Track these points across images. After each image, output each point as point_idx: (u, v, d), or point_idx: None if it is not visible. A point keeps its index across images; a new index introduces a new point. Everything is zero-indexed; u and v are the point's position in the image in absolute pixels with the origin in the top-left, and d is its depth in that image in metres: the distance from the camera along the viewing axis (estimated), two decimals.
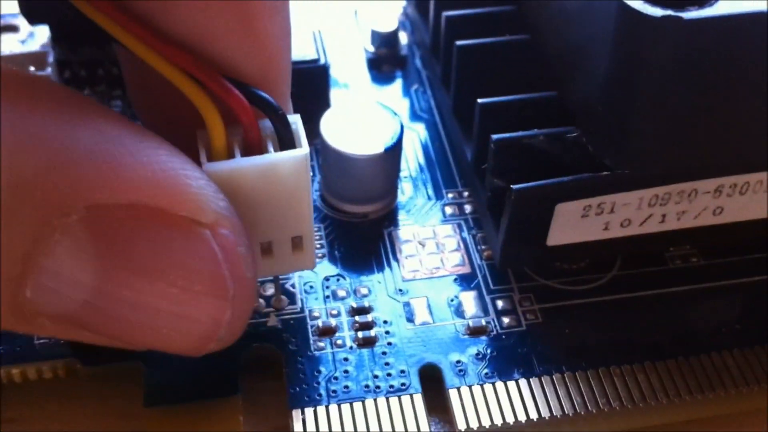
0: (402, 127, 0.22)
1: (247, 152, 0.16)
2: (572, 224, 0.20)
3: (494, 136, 0.20)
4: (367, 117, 0.23)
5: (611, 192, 0.20)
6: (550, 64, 0.22)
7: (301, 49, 0.25)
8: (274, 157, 0.16)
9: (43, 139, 0.12)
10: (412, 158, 0.25)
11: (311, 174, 0.18)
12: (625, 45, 0.17)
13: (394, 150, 0.22)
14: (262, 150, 0.17)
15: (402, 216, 0.23)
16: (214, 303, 0.14)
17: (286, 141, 0.17)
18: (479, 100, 0.21)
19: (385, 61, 0.28)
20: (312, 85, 0.25)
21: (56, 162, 0.12)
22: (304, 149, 0.17)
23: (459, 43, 0.23)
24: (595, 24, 0.18)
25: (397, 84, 0.28)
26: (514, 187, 0.19)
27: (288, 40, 0.17)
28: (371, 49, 0.28)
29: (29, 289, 0.13)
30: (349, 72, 0.28)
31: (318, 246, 0.23)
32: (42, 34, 0.27)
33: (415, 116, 0.26)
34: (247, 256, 0.14)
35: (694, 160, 0.19)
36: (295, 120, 0.17)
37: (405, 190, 0.24)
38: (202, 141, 0.16)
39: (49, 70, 0.25)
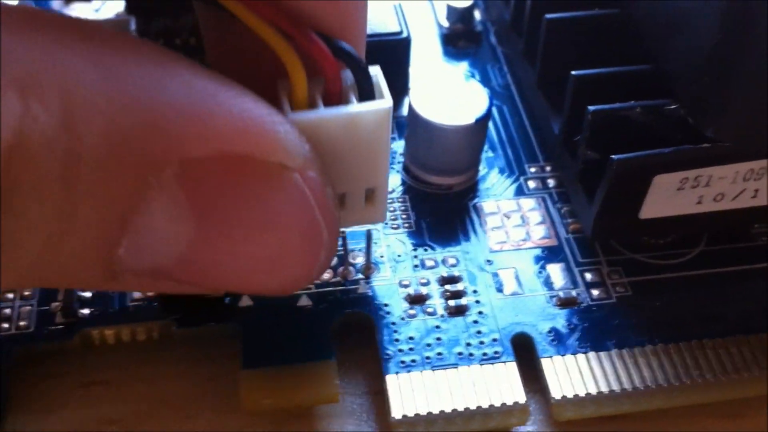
0: (491, 99, 0.22)
1: (328, 103, 0.16)
2: (667, 197, 0.20)
3: (591, 108, 0.20)
4: (455, 88, 0.23)
5: (710, 164, 0.20)
6: (642, 37, 0.22)
7: (384, 22, 0.25)
8: (357, 107, 0.16)
9: (135, 94, 0.12)
10: (492, 132, 0.25)
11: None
12: (737, 10, 0.17)
13: (484, 121, 0.22)
14: (343, 101, 0.16)
15: (485, 189, 0.23)
16: (309, 246, 0.14)
17: (367, 92, 0.16)
18: (573, 72, 0.21)
19: (460, 37, 0.28)
20: (394, 58, 0.25)
21: (149, 117, 0.12)
22: (387, 101, 0.16)
23: (549, 16, 0.22)
24: None
25: (472, 60, 0.27)
26: (614, 157, 0.19)
27: None
28: (446, 24, 0.28)
29: (123, 248, 0.13)
30: (424, 47, 0.28)
31: (404, 217, 0.23)
32: (114, 5, 0.27)
33: (492, 92, 0.26)
34: (332, 197, 0.14)
35: None
36: (376, 72, 0.17)
37: (486, 164, 0.24)
38: (284, 91, 0.16)
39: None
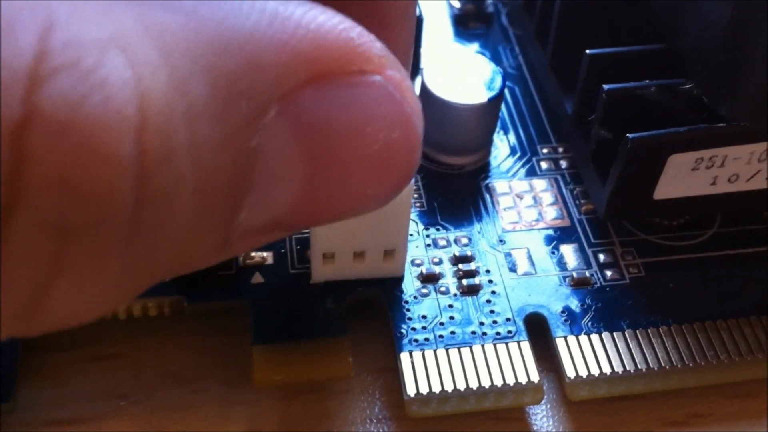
0: (504, 78, 0.22)
1: None
2: (681, 177, 0.20)
3: (606, 86, 0.20)
4: (468, 67, 0.22)
5: (725, 144, 0.20)
6: (656, 17, 0.21)
7: None
8: None
9: (224, 32, 0.11)
10: (503, 113, 0.25)
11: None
12: None
13: (497, 100, 0.22)
14: None
15: (496, 169, 0.23)
16: (407, 139, 0.13)
17: None
18: (588, 51, 0.21)
19: (471, 18, 0.28)
20: None
21: (245, 55, 0.11)
22: None
23: None
24: None
25: (483, 41, 0.27)
26: (630, 135, 0.19)
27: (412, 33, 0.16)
28: (457, 5, 0.28)
29: (246, 209, 0.12)
30: (435, 28, 0.28)
31: (416, 196, 0.22)
32: None
33: (504, 73, 0.26)
34: (413, 91, 0.13)
35: None
36: None
37: (498, 145, 0.24)
38: None
39: None
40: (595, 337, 0.20)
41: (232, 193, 0.11)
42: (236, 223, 0.12)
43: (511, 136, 0.24)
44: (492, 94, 0.22)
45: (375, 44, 0.13)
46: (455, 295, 0.20)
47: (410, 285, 0.20)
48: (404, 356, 0.19)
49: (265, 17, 0.11)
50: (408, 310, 0.20)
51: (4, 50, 0.09)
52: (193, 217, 0.11)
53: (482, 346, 0.19)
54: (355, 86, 0.12)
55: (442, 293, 0.20)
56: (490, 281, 0.21)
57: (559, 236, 0.22)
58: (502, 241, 0.22)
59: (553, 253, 0.21)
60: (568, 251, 0.21)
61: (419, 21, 0.25)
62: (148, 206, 0.10)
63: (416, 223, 0.22)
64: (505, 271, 0.21)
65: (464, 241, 0.21)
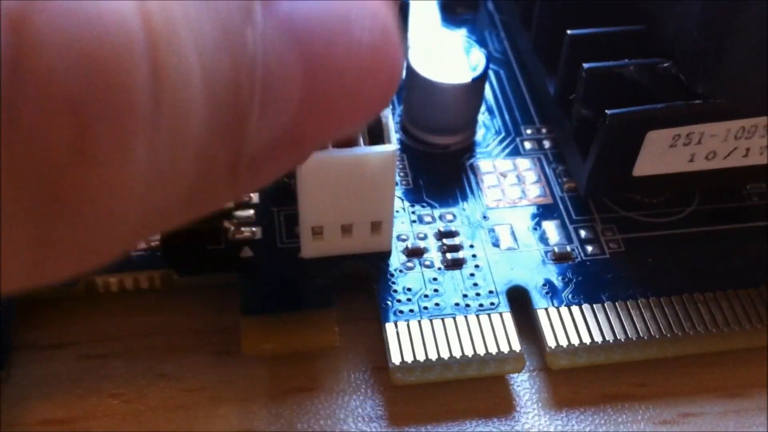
0: (488, 58, 0.23)
1: (338, 143, 0.18)
2: (659, 154, 0.21)
3: (586, 65, 0.21)
4: (453, 48, 0.23)
5: (702, 121, 0.20)
6: None
7: None
8: (363, 150, 0.18)
9: None
10: (489, 96, 0.25)
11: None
12: None
13: (481, 80, 0.22)
14: (352, 142, 0.18)
15: (481, 149, 0.24)
16: (390, 39, 0.13)
17: (376, 134, 0.18)
18: (569, 32, 0.22)
19: (458, 4, 0.28)
20: None
21: None
22: (393, 146, 0.18)
23: None
24: None
25: (470, 27, 0.28)
26: (608, 111, 0.20)
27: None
28: None
29: (252, 126, 0.11)
30: (422, 13, 0.28)
31: (402, 175, 0.23)
32: None
33: (490, 57, 0.27)
34: None
35: None
36: (386, 115, 0.18)
37: (483, 126, 0.24)
38: None
39: None
40: (575, 308, 0.20)
41: (237, 102, 0.11)
42: (245, 143, 0.12)
43: (497, 118, 0.25)
44: (476, 74, 0.22)
45: None
46: (440, 268, 0.21)
47: (396, 259, 0.21)
48: (389, 326, 0.20)
49: None
50: (393, 282, 0.20)
51: None
52: (206, 124, 0.11)
53: (465, 317, 0.20)
54: None
55: (427, 267, 0.21)
56: (474, 255, 0.21)
57: (541, 213, 0.22)
58: (485, 218, 0.22)
59: (535, 229, 0.22)
60: (551, 227, 0.22)
61: (405, 6, 0.25)
62: (165, 97, 0.10)
63: (402, 200, 0.22)
64: (488, 246, 0.21)
65: (449, 217, 0.22)
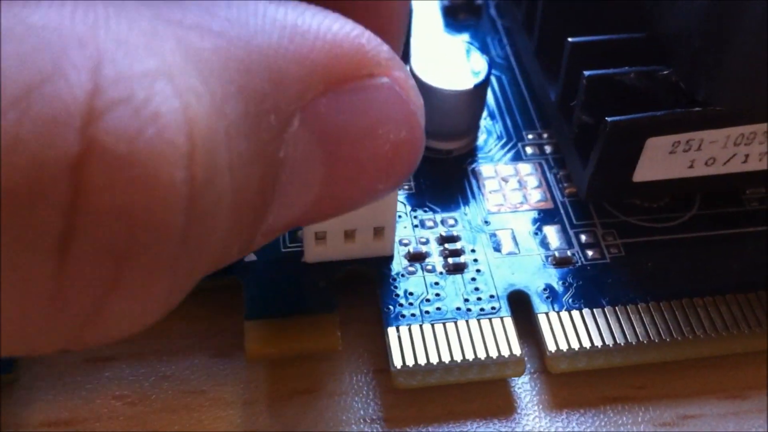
0: (490, 65, 0.23)
1: None
2: (659, 160, 0.21)
3: (586, 72, 0.21)
4: (455, 54, 0.23)
5: (701, 128, 0.20)
6: (640, 5, 0.22)
7: None
8: None
9: (249, 46, 0.11)
10: (491, 101, 0.26)
11: None
12: None
13: (483, 86, 0.23)
14: None
15: (483, 154, 0.24)
16: (413, 138, 0.14)
17: None
18: (570, 39, 0.22)
19: (460, 10, 0.28)
20: None
21: (271, 74, 0.12)
22: None
23: None
24: None
25: (473, 33, 0.28)
26: (609, 119, 0.20)
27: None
28: None
29: (272, 214, 0.12)
30: (425, 20, 0.28)
31: None
32: None
33: (492, 63, 0.27)
34: (415, 87, 0.14)
35: None
36: None
37: (485, 130, 0.25)
38: None
39: None
40: (575, 313, 0.20)
41: (262, 201, 0.12)
42: (260, 230, 0.13)
43: (498, 123, 0.25)
44: (478, 80, 0.23)
45: (383, 47, 0.13)
46: (441, 273, 0.21)
47: (398, 263, 0.21)
48: (391, 331, 0.20)
49: (287, 34, 0.12)
50: (395, 287, 0.21)
51: (59, 89, 0.09)
52: (230, 228, 0.11)
53: (467, 321, 0.20)
54: (366, 89, 0.13)
55: (429, 271, 0.21)
56: (475, 260, 0.21)
57: (542, 218, 0.22)
58: (487, 222, 0.22)
59: (536, 233, 0.22)
60: (551, 232, 0.22)
61: (408, 12, 0.25)
62: (195, 225, 0.10)
63: (404, 204, 0.22)
64: (489, 251, 0.22)
65: (451, 222, 0.22)
